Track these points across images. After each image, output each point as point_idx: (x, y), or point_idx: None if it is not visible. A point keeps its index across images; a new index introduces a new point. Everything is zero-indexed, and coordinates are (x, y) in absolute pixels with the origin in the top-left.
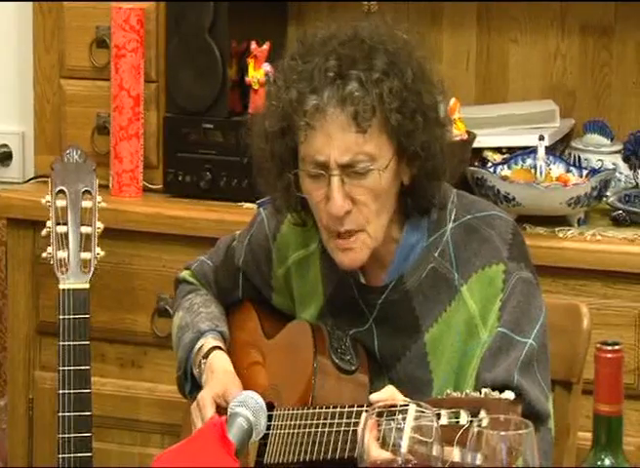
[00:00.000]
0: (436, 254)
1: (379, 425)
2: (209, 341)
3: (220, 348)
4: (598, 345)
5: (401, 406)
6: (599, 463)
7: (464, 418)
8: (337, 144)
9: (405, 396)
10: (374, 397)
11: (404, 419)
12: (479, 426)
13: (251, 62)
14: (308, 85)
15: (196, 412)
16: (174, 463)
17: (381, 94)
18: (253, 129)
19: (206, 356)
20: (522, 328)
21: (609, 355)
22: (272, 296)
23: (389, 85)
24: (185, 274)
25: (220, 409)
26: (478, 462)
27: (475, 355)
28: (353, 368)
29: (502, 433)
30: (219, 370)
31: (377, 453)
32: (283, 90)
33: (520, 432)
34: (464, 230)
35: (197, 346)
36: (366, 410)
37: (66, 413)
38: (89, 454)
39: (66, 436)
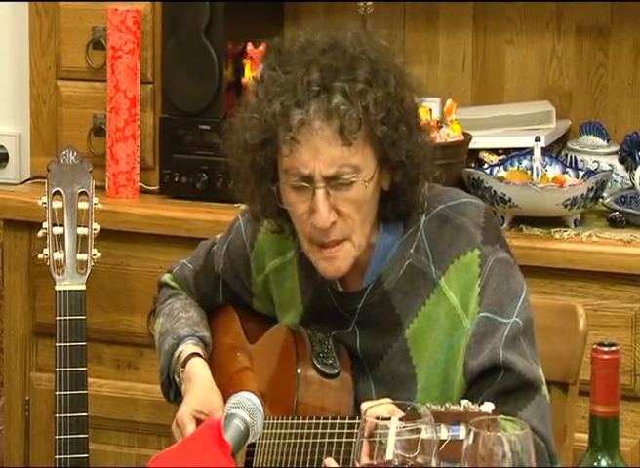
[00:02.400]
0: (411, 250)
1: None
2: (187, 348)
3: (198, 354)
4: (595, 346)
5: (383, 419)
6: (595, 464)
7: (445, 432)
8: (322, 158)
9: (389, 392)
10: (371, 411)
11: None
12: (457, 438)
13: (247, 64)
14: (292, 98)
15: (177, 432)
16: (170, 464)
17: (367, 106)
18: (231, 138)
19: (184, 364)
20: (504, 308)
21: (605, 356)
22: (253, 302)
23: (374, 95)
24: (167, 277)
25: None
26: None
27: (461, 345)
28: (336, 371)
29: (499, 434)
30: (195, 380)
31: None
32: (265, 102)
33: (516, 433)
34: (437, 221)
35: (176, 353)
36: (352, 424)
37: (63, 415)
38: (85, 456)
39: (63, 437)
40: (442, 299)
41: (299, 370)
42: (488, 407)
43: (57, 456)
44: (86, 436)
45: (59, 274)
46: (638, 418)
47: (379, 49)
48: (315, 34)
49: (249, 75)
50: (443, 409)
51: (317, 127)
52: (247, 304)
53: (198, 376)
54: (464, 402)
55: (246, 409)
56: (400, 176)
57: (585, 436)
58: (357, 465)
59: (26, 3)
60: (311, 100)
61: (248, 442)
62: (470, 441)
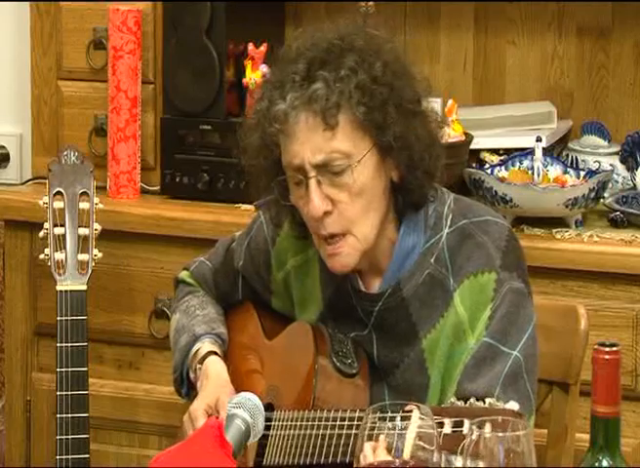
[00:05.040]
0: (432, 260)
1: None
2: (205, 346)
3: (215, 353)
4: (596, 346)
5: (404, 411)
6: (596, 464)
7: (468, 428)
8: (309, 146)
9: (403, 400)
10: None
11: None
12: (483, 435)
13: (248, 64)
14: (279, 93)
15: (188, 424)
16: (171, 464)
17: (345, 89)
18: (241, 145)
19: (202, 361)
20: (508, 338)
21: (606, 356)
22: (271, 300)
23: (356, 80)
24: (184, 275)
25: None
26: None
27: (460, 360)
28: (354, 371)
29: (500, 434)
30: (212, 377)
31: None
32: (259, 102)
33: (518, 433)
34: (459, 235)
35: (193, 350)
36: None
37: (64, 415)
38: (86, 456)
39: (64, 437)
40: (452, 311)
41: (317, 366)
42: (513, 405)
43: (58, 457)
44: (87, 436)
45: (60, 274)
46: (639, 418)
47: (367, 39)
48: (314, 34)
49: (250, 75)
50: (467, 406)
51: (295, 115)
52: (265, 302)
53: (215, 374)
54: (489, 399)
55: (247, 409)
56: (404, 164)
57: (586, 436)
58: (366, 456)
59: (27, 3)
60: (292, 90)
61: (249, 442)
62: (473, 438)
